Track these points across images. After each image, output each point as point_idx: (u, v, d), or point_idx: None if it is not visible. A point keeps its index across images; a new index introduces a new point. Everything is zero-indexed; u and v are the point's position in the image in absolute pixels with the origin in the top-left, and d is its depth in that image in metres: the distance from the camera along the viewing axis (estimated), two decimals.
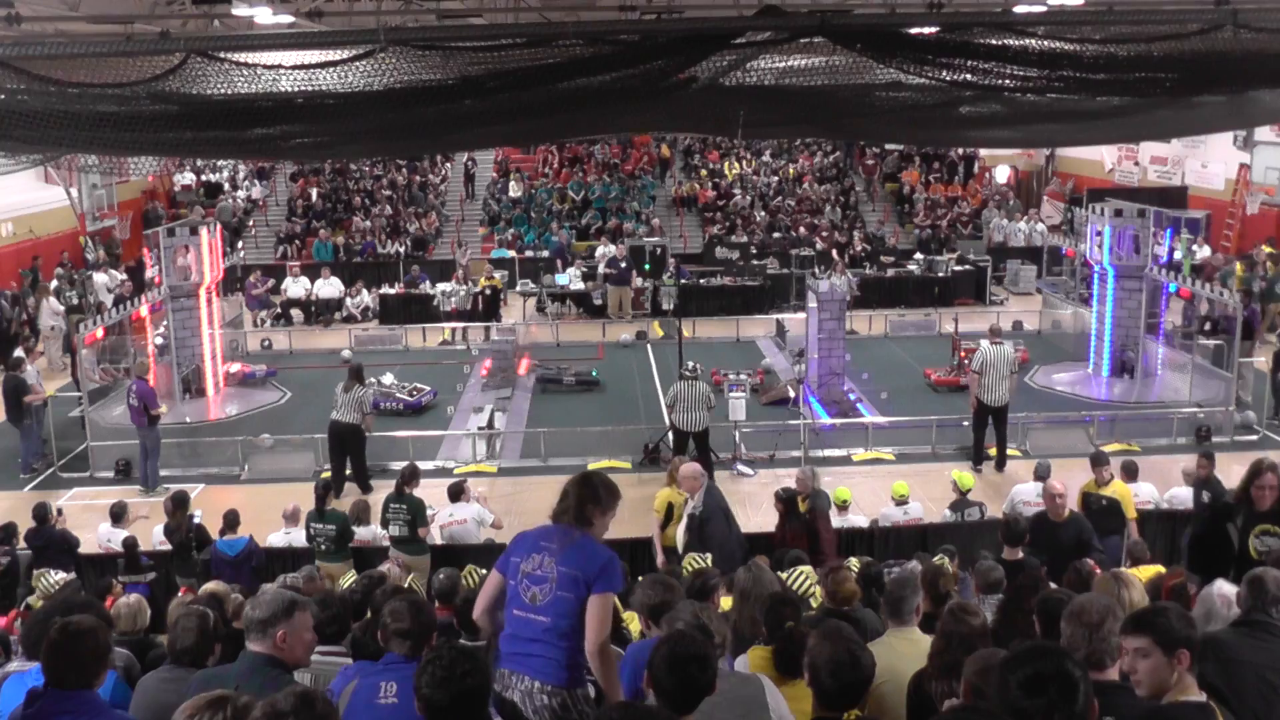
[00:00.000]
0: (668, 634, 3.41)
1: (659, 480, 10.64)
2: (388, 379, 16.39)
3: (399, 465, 11.16)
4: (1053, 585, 5.62)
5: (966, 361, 15.07)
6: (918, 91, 6.86)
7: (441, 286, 21.80)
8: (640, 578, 5.79)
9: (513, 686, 3.84)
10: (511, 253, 25.27)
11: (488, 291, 21.51)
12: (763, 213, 27.22)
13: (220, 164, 28.23)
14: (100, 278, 21.43)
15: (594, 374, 17.35)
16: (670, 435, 13.19)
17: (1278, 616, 3.98)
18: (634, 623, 5.95)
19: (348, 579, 8.08)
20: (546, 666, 3.80)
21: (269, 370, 18.17)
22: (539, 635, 3.82)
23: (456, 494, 10.29)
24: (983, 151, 29.58)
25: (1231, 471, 12.82)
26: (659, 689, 3.19)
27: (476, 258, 24.72)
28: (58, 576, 7.64)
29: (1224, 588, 4.58)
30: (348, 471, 12.91)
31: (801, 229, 26.15)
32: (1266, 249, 21.45)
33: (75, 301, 20.22)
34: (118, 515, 10.21)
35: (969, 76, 6.29)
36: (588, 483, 4.10)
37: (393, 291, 22.52)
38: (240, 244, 25.17)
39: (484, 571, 7.79)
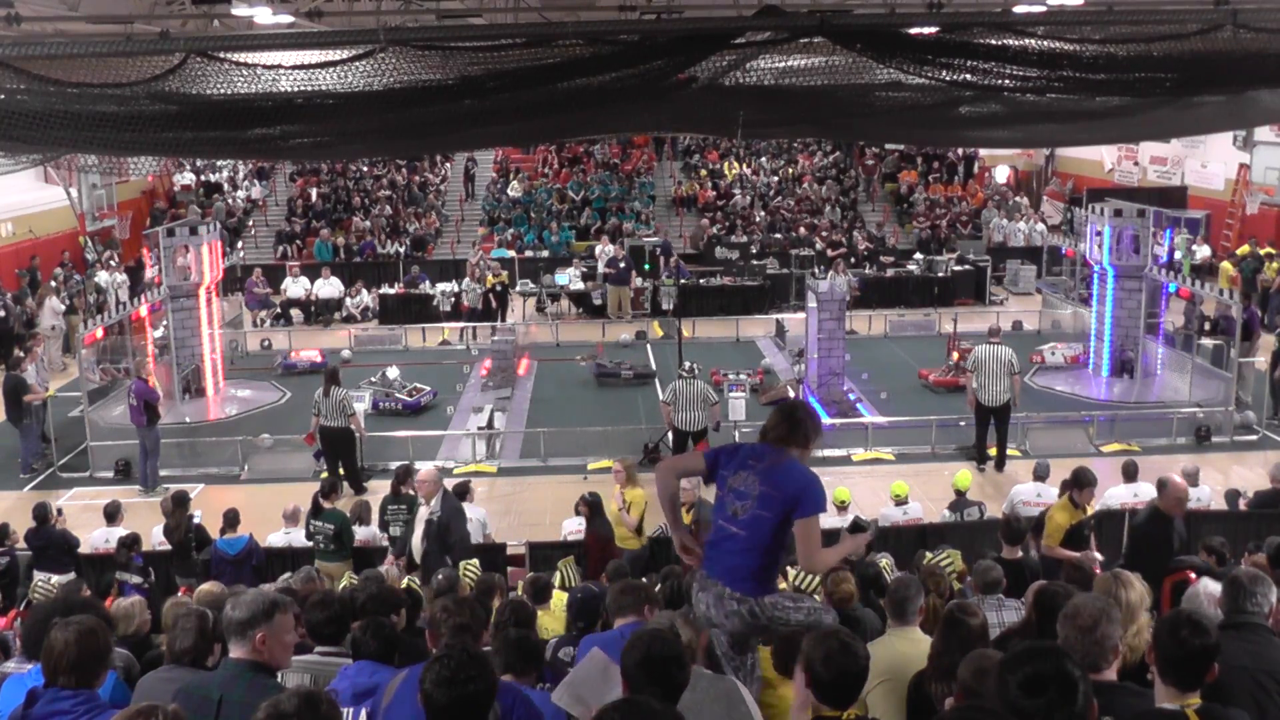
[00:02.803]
0: (640, 635, 3.41)
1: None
2: (393, 372, 16.40)
3: (399, 465, 11.15)
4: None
5: (964, 362, 15.08)
6: (917, 91, 6.87)
7: (442, 286, 21.77)
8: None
9: (708, 588, 4.21)
10: (511, 253, 25.26)
11: (498, 288, 21.46)
12: (763, 213, 27.21)
13: (220, 164, 28.22)
14: (107, 277, 21.45)
15: (651, 366, 17.88)
16: (670, 435, 13.20)
17: (1254, 610, 3.98)
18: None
19: (348, 579, 8.08)
20: (737, 575, 4.14)
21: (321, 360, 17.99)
22: (736, 548, 4.15)
23: (462, 494, 10.27)
24: (983, 151, 29.56)
25: (1231, 472, 12.90)
26: (635, 689, 3.23)
27: (483, 257, 24.71)
28: (52, 580, 7.66)
29: (1209, 585, 4.57)
30: (342, 472, 12.88)
31: (801, 229, 26.14)
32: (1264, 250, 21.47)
33: (70, 302, 20.20)
34: (111, 515, 10.22)
35: (969, 76, 6.30)
36: (793, 416, 4.29)
37: (392, 291, 22.52)
38: (240, 244, 25.18)
39: (478, 573, 7.82)
